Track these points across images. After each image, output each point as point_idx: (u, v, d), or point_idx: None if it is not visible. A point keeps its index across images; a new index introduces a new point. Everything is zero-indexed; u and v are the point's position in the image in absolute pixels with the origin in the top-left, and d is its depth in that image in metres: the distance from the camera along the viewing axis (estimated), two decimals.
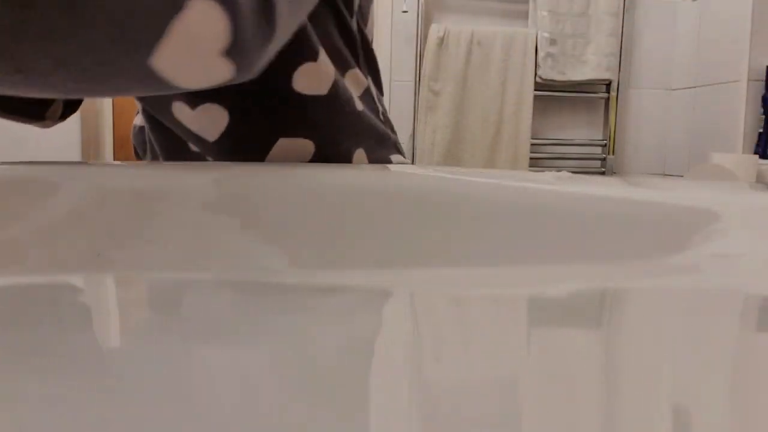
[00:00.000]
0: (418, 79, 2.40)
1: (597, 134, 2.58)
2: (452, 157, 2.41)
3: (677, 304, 0.27)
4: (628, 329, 0.24)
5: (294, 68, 0.54)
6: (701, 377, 0.18)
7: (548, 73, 2.42)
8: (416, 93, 2.41)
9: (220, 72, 0.36)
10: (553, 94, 2.49)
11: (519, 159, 2.43)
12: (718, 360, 0.20)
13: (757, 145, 2.06)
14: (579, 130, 2.56)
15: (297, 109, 0.55)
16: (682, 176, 2.32)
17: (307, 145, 0.57)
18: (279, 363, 0.19)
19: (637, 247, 0.33)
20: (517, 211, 0.34)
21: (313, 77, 0.55)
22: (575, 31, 2.42)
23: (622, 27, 2.46)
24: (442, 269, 0.32)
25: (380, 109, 0.66)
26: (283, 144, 0.56)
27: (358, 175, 0.36)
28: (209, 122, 0.55)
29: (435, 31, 2.37)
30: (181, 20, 0.32)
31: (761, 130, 2.05)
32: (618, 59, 2.46)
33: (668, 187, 0.42)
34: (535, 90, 2.43)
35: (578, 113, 2.56)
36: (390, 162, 0.66)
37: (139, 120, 0.71)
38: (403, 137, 2.40)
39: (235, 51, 0.35)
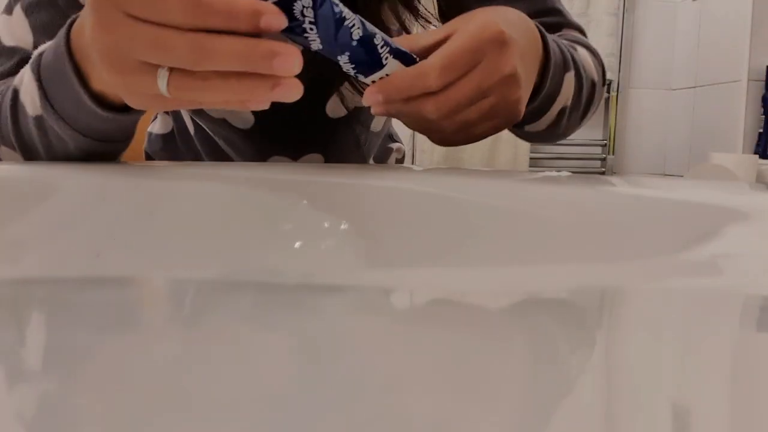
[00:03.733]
0: None
1: (597, 134, 2.57)
2: (452, 157, 2.41)
3: (677, 305, 0.27)
4: (628, 329, 0.24)
5: None
6: (701, 377, 0.18)
7: None
8: None
9: None
10: None
11: (519, 159, 2.42)
12: (718, 360, 0.20)
13: (757, 145, 2.05)
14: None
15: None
16: (682, 176, 2.32)
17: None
18: (280, 362, 0.19)
19: (637, 248, 0.33)
20: (517, 212, 0.34)
21: None
22: None
23: (622, 27, 2.45)
24: (442, 269, 0.32)
25: None
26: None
27: (357, 175, 0.36)
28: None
29: None
30: None
31: (761, 130, 2.05)
32: (618, 59, 2.46)
33: (668, 187, 0.42)
34: None
35: None
36: None
37: (157, 128, 0.72)
38: (403, 137, 2.39)
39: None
